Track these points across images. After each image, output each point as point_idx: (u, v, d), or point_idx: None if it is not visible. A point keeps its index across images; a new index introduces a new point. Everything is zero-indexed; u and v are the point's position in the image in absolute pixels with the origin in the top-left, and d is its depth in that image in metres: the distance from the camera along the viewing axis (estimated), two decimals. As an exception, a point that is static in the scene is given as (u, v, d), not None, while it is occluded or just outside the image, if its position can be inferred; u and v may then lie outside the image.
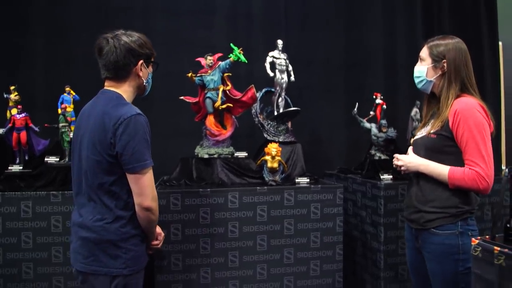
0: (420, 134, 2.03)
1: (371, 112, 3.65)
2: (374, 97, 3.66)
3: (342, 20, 4.14)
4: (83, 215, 1.73)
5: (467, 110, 1.83)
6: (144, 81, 1.80)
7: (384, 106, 3.63)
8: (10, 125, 2.87)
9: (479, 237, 1.45)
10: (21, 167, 2.85)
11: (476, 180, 1.78)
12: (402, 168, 2.01)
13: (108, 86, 1.78)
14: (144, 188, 1.68)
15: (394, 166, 2.08)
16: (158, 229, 1.95)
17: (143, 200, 1.68)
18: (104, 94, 1.77)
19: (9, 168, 2.83)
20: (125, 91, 1.77)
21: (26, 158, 2.93)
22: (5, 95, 2.94)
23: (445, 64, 1.92)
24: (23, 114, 2.89)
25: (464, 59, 1.93)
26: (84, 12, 3.64)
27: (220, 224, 2.76)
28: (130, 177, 1.67)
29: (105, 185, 1.68)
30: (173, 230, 2.71)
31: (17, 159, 2.90)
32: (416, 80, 2.04)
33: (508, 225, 1.39)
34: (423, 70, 1.99)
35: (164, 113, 3.78)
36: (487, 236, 1.43)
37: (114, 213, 1.69)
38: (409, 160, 1.99)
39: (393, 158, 2.11)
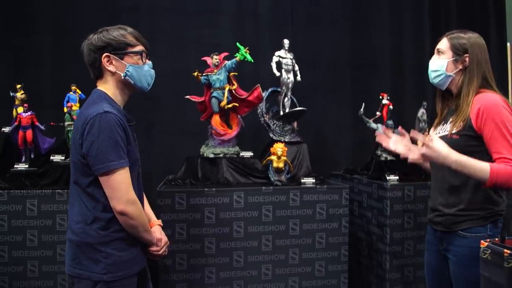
0: (439, 133, 1.92)
1: (378, 113, 3.62)
2: (380, 97, 3.64)
3: (349, 20, 4.11)
4: (70, 216, 1.70)
5: (493, 106, 1.75)
6: (122, 74, 1.70)
7: (391, 107, 3.60)
8: (16, 123, 2.88)
9: (488, 240, 1.41)
10: (27, 166, 2.85)
11: None
12: (424, 151, 1.69)
13: (97, 85, 1.76)
14: (114, 191, 1.59)
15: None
16: (158, 234, 1.86)
17: (115, 204, 1.60)
18: (92, 93, 1.73)
19: (15, 166, 2.83)
20: (109, 88, 1.72)
21: (32, 156, 2.93)
22: (11, 94, 2.94)
23: (467, 59, 1.84)
24: (29, 113, 2.90)
25: (485, 55, 1.87)
26: (90, 11, 3.63)
27: (225, 224, 2.75)
28: (100, 179, 1.60)
29: (83, 186, 1.64)
30: (178, 229, 2.70)
31: (23, 157, 2.90)
32: (433, 75, 1.92)
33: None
34: (442, 64, 1.87)
35: (171, 112, 3.77)
36: (497, 239, 1.40)
37: (92, 214, 1.63)
38: (446, 152, 1.67)
39: (399, 156, 1.88)
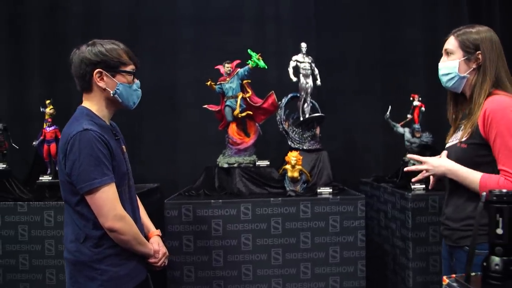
0: (451, 141, 1.79)
1: (409, 115, 3.38)
2: (411, 99, 3.39)
3: (376, 15, 3.85)
4: (65, 235, 1.73)
5: (498, 111, 1.59)
6: (111, 92, 1.69)
7: (423, 108, 3.35)
8: (41, 137, 3.03)
9: (453, 275, 1.22)
10: (51, 178, 2.99)
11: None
12: (428, 172, 1.77)
13: (83, 100, 1.75)
14: (100, 209, 1.59)
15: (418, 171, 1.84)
16: (156, 246, 1.84)
17: (103, 221, 1.60)
18: (76, 110, 1.74)
19: (40, 178, 2.99)
20: (94, 104, 1.71)
21: (57, 169, 3.07)
22: (41, 109, 3.10)
23: (479, 56, 1.67)
24: (53, 127, 3.03)
25: (498, 49, 1.69)
26: (115, 24, 3.74)
27: (233, 236, 2.70)
28: (86, 198, 1.60)
29: (72, 205, 1.65)
30: (185, 241, 2.69)
31: (48, 170, 3.05)
32: (445, 78, 1.76)
33: (485, 264, 1.16)
34: (453, 65, 1.71)
35: (194, 121, 3.79)
36: (463, 274, 1.20)
37: (84, 232, 1.64)
38: (438, 163, 1.73)
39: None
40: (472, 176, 1.62)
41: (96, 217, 1.63)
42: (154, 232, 1.95)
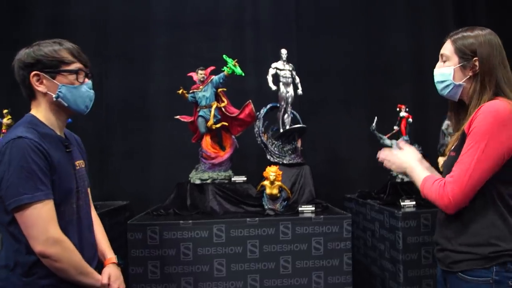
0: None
1: (395, 127, 3.20)
2: (398, 109, 3.20)
3: (361, 23, 3.70)
4: None
5: (484, 114, 1.40)
6: (53, 95, 1.49)
7: (410, 120, 3.17)
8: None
9: None
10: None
11: (438, 191, 1.42)
12: (385, 163, 1.65)
13: (31, 106, 1.55)
14: (29, 229, 1.36)
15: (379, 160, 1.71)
16: (105, 278, 1.58)
17: (33, 244, 1.37)
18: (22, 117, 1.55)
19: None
20: (40, 111, 1.51)
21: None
22: None
23: (476, 63, 1.48)
24: (7, 139, 2.76)
25: (500, 55, 1.49)
26: (82, 28, 3.48)
27: (205, 262, 2.45)
28: (15, 216, 1.38)
29: (5, 225, 1.42)
30: (150, 267, 2.42)
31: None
32: (440, 86, 1.58)
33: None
34: (448, 73, 1.53)
35: (166, 133, 3.54)
36: None
37: (15, 257, 1.40)
38: (397, 158, 1.61)
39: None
40: (418, 176, 1.53)
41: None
42: (110, 259, 1.69)
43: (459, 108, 1.62)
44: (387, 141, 3.08)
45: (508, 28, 3.31)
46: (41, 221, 1.38)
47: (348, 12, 3.68)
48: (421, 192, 1.50)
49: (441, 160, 2.75)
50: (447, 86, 1.54)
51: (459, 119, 1.62)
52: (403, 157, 1.60)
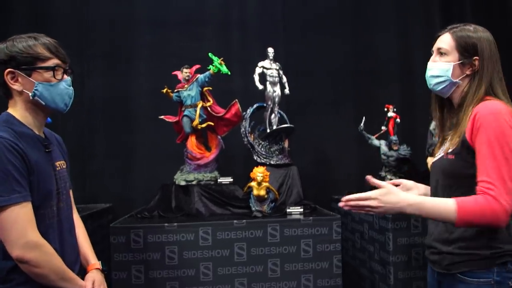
0: (438, 154, 1.53)
1: (383, 127, 3.18)
2: (385, 109, 3.18)
3: (349, 23, 3.67)
4: None
5: (490, 116, 1.35)
6: (30, 93, 1.42)
7: (398, 120, 3.15)
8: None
9: None
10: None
11: (492, 207, 1.27)
12: (375, 210, 1.35)
13: (8, 105, 1.47)
14: (6, 233, 1.30)
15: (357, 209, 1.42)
16: (89, 283, 1.50)
17: (10, 249, 1.31)
18: None
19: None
20: (17, 110, 1.44)
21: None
22: None
23: (476, 62, 1.43)
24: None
25: (496, 54, 1.46)
26: (63, 27, 3.38)
27: (191, 266, 2.37)
28: None
29: None
30: (134, 272, 2.33)
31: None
32: (433, 81, 1.49)
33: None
34: (446, 68, 1.46)
35: (150, 133, 3.45)
36: None
37: None
38: (397, 199, 1.34)
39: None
40: (445, 204, 1.33)
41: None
42: (94, 265, 1.61)
43: (443, 106, 1.57)
44: (376, 142, 3.06)
45: (494, 28, 3.32)
46: (19, 225, 1.31)
47: (335, 12, 3.65)
48: (457, 222, 1.31)
49: (430, 160, 2.73)
50: (442, 82, 1.48)
51: (443, 116, 1.57)
52: (389, 198, 1.33)
